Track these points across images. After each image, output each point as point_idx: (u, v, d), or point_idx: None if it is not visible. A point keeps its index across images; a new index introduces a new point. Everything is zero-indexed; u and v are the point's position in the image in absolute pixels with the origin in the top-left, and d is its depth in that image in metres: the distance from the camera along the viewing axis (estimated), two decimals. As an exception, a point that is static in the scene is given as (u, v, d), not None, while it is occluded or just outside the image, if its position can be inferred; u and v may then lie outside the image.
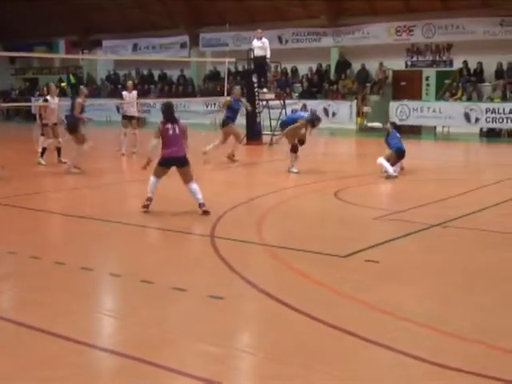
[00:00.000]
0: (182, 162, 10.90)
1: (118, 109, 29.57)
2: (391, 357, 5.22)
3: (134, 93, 20.77)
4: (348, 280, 7.19)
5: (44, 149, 17.51)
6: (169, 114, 11.08)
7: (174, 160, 10.90)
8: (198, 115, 33.45)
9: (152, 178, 10.97)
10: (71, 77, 41.72)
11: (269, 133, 22.95)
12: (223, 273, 7.44)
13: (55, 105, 17.87)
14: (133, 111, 20.48)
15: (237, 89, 19.30)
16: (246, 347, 5.50)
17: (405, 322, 5.91)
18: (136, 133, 19.82)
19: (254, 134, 22.80)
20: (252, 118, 22.84)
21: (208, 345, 5.41)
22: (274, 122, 23.15)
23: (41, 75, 45.39)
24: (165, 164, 10.99)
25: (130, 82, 21.74)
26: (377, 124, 15.50)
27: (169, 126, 10.91)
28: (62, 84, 40.06)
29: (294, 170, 15.31)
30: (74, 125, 15.85)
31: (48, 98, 17.97)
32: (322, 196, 12.82)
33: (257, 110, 22.93)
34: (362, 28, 31.54)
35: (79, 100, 15.89)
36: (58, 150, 17.73)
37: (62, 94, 37.94)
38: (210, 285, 6.99)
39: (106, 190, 13.73)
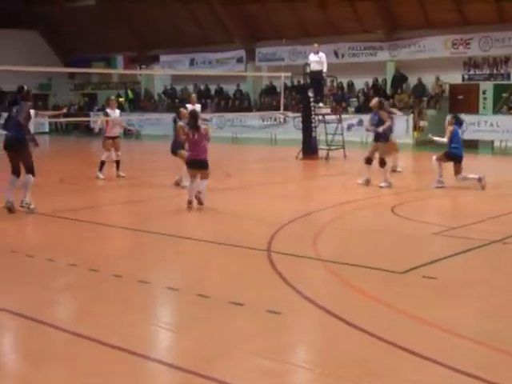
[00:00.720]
0: (202, 165, 12.62)
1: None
2: (449, 375, 5.14)
3: (198, 106, 20.69)
4: (405, 296, 7.13)
5: (102, 162, 17.52)
6: (193, 122, 12.78)
7: (195, 162, 12.65)
8: (254, 130, 33.58)
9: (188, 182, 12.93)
10: (129, 92, 42.29)
11: (325, 147, 22.91)
12: (280, 287, 7.43)
13: (116, 118, 17.91)
14: None
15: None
16: (302, 362, 5.48)
17: (463, 339, 5.82)
18: None
19: (309, 148, 22.74)
20: (308, 132, 22.82)
21: (265, 359, 5.41)
22: (329, 137, 23.11)
23: (99, 90, 46.07)
24: (190, 166, 12.79)
25: (193, 95, 21.53)
26: (442, 139, 15.28)
27: (192, 132, 12.63)
28: (120, 99, 40.58)
29: (386, 184, 15.26)
30: (176, 148, 15.45)
31: (108, 110, 18.07)
32: (378, 211, 12.74)
33: (313, 125, 22.90)
34: (418, 41, 31.29)
35: (181, 123, 14.80)
36: (117, 163, 17.74)
37: (120, 108, 38.55)
38: (267, 299, 6.99)
39: (162, 203, 13.84)
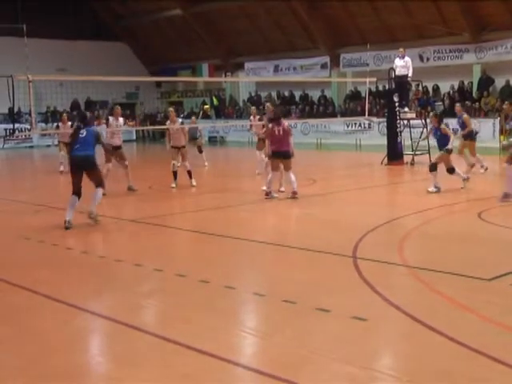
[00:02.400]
0: (286, 155, 14.41)
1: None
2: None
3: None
4: (493, 304, 7.00)
5: (174, 172, 17.28)
6: (278, 118, 14.67)
7: (279, 153, 14.37)
8: (339, 135, 33.47)
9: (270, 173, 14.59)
10: (214, 99, 42.72)
11: (410, 153, 22.68)
12: (366, 294, 7.41)
13: (178, 128, 17.59)
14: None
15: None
16: (389, 370, 5.45)
17: (556, 348, 5.70)
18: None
19: (394, 154, 22.55)
20: (393, 137, 22.64)
21: (351, 366, 5.41)
22: (415, 142, 22.87)
23: (185, 98, 46.71)
24: (274, 156, 14.48)
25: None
26: None
27: (275, 128, 14.41)
28: (206, 106, 41.08)
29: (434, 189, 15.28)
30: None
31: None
32: (465, 217, 12.54)
33: (398, 130, 22.72)
34: (505, 43, 30.49)
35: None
36: (188, 172, 17.50)
37: (206, 116, 39.06)
38: (354, 306, 6.98)
39: (245, 209, 13.94)
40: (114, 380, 5.41)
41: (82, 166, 12.08)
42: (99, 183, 12.39)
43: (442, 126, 15.73)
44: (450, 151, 15.44)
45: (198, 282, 8.15)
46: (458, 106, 20.13)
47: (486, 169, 18.68)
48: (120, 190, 16.89)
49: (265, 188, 14.86)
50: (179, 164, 17.43)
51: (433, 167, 15.35)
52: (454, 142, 15.84)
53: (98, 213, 12.36)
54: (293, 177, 14.38)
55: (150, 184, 15.92)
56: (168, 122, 18.23)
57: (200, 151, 23.49)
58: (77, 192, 12.00)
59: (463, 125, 18.43)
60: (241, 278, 8.56)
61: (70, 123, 20.44)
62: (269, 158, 14.89)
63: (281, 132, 14.42)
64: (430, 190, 15.15)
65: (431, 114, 18.23)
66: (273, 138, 14.55)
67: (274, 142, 14.51)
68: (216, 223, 12.74)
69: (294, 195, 14.37)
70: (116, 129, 17.34)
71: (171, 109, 19.47)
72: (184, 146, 17.56)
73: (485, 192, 15.08)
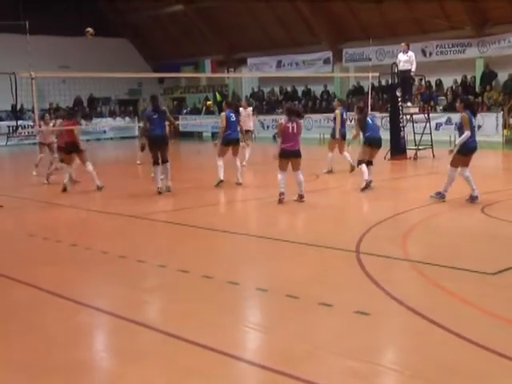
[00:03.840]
0: (297, 154, 13.31)
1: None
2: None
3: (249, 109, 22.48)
4: (497, 299, 7.01)
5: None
6: (296, 115, 13.58)
7: (291, 152, 13.23)
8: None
9: (279, 174, 13.29)
10: (217, 95, 42.71)
11: (413, 147, 22.67)
12: (369, 289, 7.42)
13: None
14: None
15: None
16: (392, 364, 5.47)
17: (558, 342, 5.71)
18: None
19: (397, 148, 22.54)
20: (396, 132, 22.63)
21: (354, 360, 5.43)
22: (417, 137, 22.87)
23: (188, 94, 46.71)
24: (284, 156, 13.29)
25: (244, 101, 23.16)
26: None
27: (289, 124, 13.30)
28: (209, 102, 41.11)
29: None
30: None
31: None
32: (468, 211, 12.53)
33: (401, 125, 22.70)
34: (508, 37, 30.47)
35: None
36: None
37: (209, 112, 39.10)
38: (356, 300, 6.99)
39: (244, 205, 13.97)
40: (117, 375, 5.43)
41: (162, 143, 15.38)
42: (167, 160, 15.43)
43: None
44: None
45: (201, 277, 8.17)
46: (458, 102, 18.81)
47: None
48: (120, 186, 16.94)
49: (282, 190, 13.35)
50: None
51: None
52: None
53: (100, 210, 12.41)
54: (301, 177, 13.43)
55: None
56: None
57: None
58: (158, 162, 15.26)
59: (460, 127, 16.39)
60: (244, 274, 8.57)
61: (51, 123, 19.71)
62: (279, 156, 13.40)
63: (295, 129, 13.31)
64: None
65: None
66: (286, 136, 13.29)
67: (288, 139, 13.28)
68: (220, 218, 12.78)
69: (300, 199, 13.37)
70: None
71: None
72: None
73: (488, 186, 15.06)
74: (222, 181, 16.15)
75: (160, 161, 15.30)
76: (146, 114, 16.17)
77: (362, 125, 15.45)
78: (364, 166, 15.04)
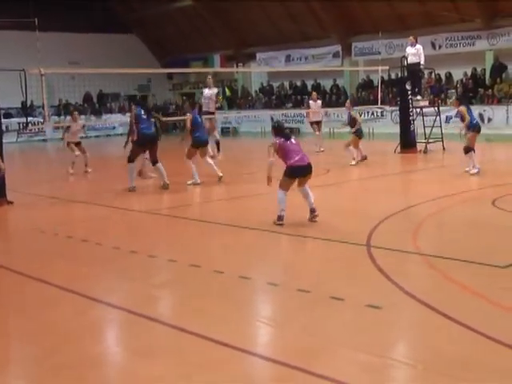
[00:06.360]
0: (311, 170, 10.90)
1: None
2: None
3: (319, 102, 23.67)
4: (508, 291, 6.98)
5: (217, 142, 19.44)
6: (282, 132, 11.14)
7: (305, 168, 10.81)
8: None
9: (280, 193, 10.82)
10: (226, 90, 42.70)
11: (423, 140, 22.61)
12: (380, 282, 7.41)
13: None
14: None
15: None
16: (404, 358, 5.45)
17: None
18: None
19: (407, 142, 22.49)
20: (406, 125, 22.57)
21: (366, 354, 5.42)
22: (428, 130, 22.81)
23: (197, 89, 46.68)
24: (297, 174, 10.79)
25: (314, 93, 25.36)
26: None
27: (287, 142, 10.89)
28: (219, 97, 41.03)
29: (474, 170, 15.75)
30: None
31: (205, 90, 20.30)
32: (479, 204, 12.49)
33: (410, 118, 22.65)
34: (518, 29, 30.39)
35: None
36: (217, 143, 19.26)
37: (219, 106, 39.10)
38: (368, 294, 6.98)
39: (262, 200, 13.95)
40: (128, 370, 5.44)
41: (153, 142, 15.36)
42: (156, 160, 15.31)
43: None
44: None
45: (212, 272, 8.17)
46: (453, 99, 20.68)
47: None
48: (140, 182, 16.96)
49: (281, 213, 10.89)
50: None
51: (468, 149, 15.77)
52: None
53: (110, 205, 12.45)
54: (310, 191, 11.09)
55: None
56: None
57: None
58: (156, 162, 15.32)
59: (461, 118, 17.03)
60: (255, 268, 8.57)
61: (81, 121, 19.66)
62: (287, 176, 10.81)
63: (293, 141, 11.08)
64: (472, 171, 15.64)
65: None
66: (288, 152, 10.82)
67: (292, 154, 10.78)
68: (229, 213, 12.77)
69: (313, 215, 10.95)
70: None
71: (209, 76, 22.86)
72: (213, 113, 19.83)
73: (499, 179, 15.02)
74: (196, 183, 15.94)
75: (151, 161, 15.42)
76: (135, 113, 15.87)
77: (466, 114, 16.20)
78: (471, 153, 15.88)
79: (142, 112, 15.40)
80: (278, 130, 11.15)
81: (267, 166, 10.94)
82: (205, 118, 18.26)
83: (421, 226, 10.42)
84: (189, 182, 15.91)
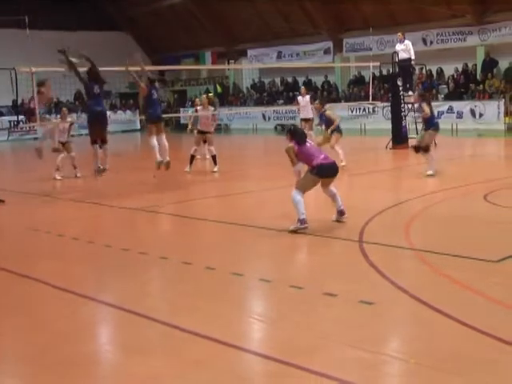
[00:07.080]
0: (337, 170, 10.46)
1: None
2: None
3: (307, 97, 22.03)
4: (502, 286, 7.00)
5: (192, 156, 18.06)
6: (298, 136, 10.46)
7: (332, 168, 10.28)
8: (343, 120, 33.30)
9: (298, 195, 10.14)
10: (218, 87, 42.69)
11: (415, 136, 22.62)
12: (373, 278, 7.42)
13: (209, 115, 18.48)
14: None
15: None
16: (397, 353, 5.45)
17: None
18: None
19: (399, 137, 22.53)
20: (397, 121, 22.61)
21: (359, 350, 5.42)
22: (419, 126, 22.82)
23: (189, 86, 46.65)
24: (326, 174, 10.20)
25: (303, 87, 24.14)
26: None
27: (306, 145, 10.31)
28: (210, 94, 41.00)
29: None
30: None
31: (198, 108, 18.96)
32: (470, 199, 12.52)
33: (402, 114, 22.68)
34: (509, 24, 30.33)
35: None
36: (213, 157, 18.11)
37: (210, 104, 39.02)
38: (361, 290, 6.98)
39: (247, 197, 13.95)
40: (123, 368, 5.42)
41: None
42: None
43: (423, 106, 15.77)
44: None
45: (204, 269, 8.16)
46: (415, 94, 19.94)
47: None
48: (121, 179, 16.96)
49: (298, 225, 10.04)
50: (199, 156, 18.74)
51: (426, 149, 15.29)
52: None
53: (101, 203, 12.42)
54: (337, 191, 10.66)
55: (155, 173, 15.93)
56: (199, 107, 19.20)
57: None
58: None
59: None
60: (247, 265, 8.56)
61: (69, 119, 19.09)
62: (315, 175, 10.16)
63: (313, 143, 10.99)
64: (429, 172, 15.12)
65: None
66: (309, 155, 10.22)
67: (316, 154, 10.21)
68: (222, 210, 12.77)
69: (343, 217, 10.56)
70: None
71: (204, 96, 21.10)
72: (210, 132, 18.38)
73: (490, 174, 15.06)
74: (161, 161, 15.50)
75: (99, 141, 14.67)
76: (85, 83, 15.08)
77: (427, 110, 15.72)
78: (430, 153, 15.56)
79: (95, 87, 14.60)
80: (294, 133, 10.45)
81: (294, 173, 11.62)
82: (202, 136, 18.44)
83: (413, 222, 10.43)
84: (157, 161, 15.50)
